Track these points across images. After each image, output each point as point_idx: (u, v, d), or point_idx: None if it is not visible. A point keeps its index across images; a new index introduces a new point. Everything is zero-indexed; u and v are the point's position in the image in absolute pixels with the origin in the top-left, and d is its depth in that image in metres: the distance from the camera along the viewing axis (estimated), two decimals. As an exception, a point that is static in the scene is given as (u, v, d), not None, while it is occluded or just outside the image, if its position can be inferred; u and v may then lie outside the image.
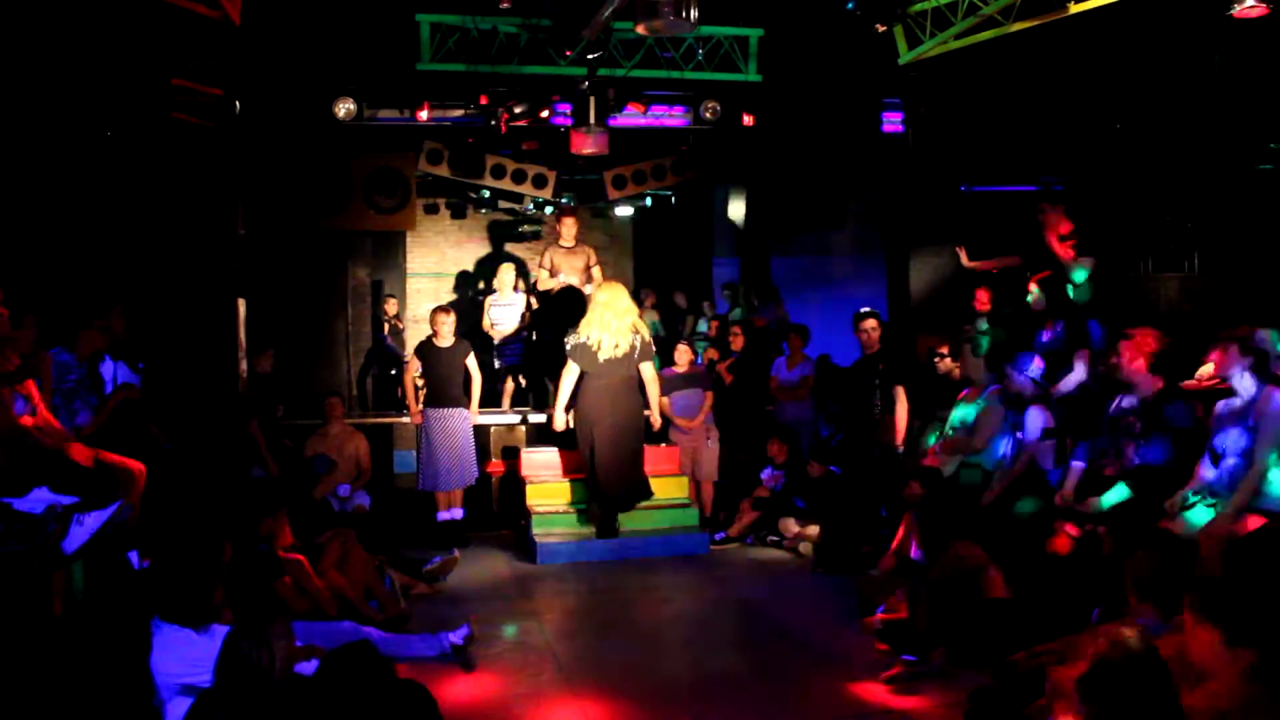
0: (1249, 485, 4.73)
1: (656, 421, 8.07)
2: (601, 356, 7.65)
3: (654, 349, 7.93)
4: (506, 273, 10.20)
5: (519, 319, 9.87)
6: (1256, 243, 7.82)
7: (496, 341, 10.02)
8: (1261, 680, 2.91)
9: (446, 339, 8.34)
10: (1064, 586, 5.04)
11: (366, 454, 8.42)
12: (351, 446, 8.34)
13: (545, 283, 9.01)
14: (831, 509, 7.70)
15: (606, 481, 7.73)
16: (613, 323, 7.64)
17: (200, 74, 7.56)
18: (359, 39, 8.74)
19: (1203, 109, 8.03)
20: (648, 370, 7.81)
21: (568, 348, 7.76)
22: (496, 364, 10.12)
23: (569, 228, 9.14)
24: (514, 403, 10.23)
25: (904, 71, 8.55)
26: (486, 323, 10.08)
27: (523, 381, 10.29)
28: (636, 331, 7.74)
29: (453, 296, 14.17)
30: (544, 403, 9.90)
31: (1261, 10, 6.38)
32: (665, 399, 8.59)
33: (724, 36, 9.00)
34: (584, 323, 7.74)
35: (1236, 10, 6.45)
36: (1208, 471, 4.97)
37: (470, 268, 14.51)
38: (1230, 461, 4.88)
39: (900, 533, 6.49)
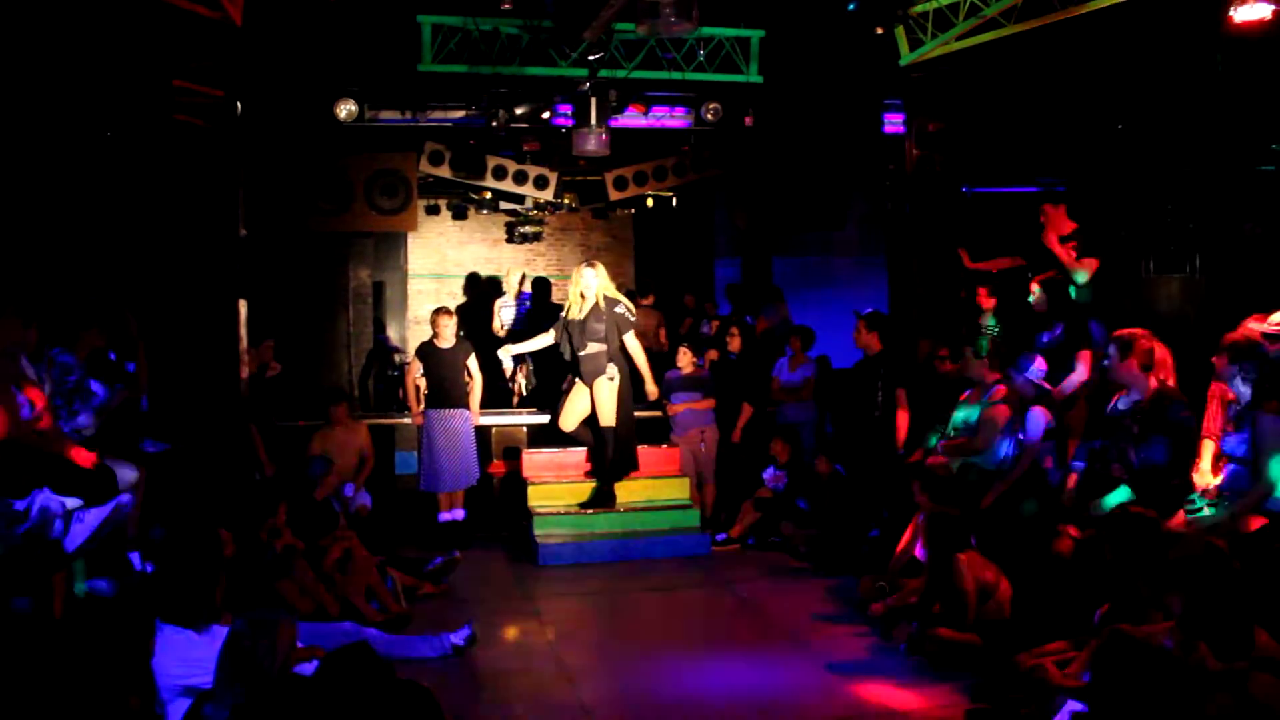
0: (1255, 496, 4.70)
1: None
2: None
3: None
4: (515, 274, 10.31)
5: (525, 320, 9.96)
6: (1257, 244, 7.80)
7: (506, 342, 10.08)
8: None
9: (448, 340, 8.35)
10: (1066, 588, 5.03)
11: (369, 442, 8.49)
12: (355, 442, 8.39)
13: None
14: (833, 510, 7.70)
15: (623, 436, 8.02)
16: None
17: (201, 75, 7.56)
18: (360, 40, 8.72)
19: (1204, 110, 8.00)
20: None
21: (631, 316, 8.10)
22: (506, 364, 10.14)
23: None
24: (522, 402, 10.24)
25: (905, 73, 8.55)
26: (497, 324, 10.16)
27: (520, 380, 10.28)
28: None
29: (450, 299, 14.14)
30: (546, 403, 9.89)
31: (1263, 18, 6.35)
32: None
33: (725, 37, 8.98)
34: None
35: (1235, 16, 6.43)
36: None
37: (471, 269, 14.49)
38: (1231, 466, 4.87)
39: (907, 535, 6.48)
